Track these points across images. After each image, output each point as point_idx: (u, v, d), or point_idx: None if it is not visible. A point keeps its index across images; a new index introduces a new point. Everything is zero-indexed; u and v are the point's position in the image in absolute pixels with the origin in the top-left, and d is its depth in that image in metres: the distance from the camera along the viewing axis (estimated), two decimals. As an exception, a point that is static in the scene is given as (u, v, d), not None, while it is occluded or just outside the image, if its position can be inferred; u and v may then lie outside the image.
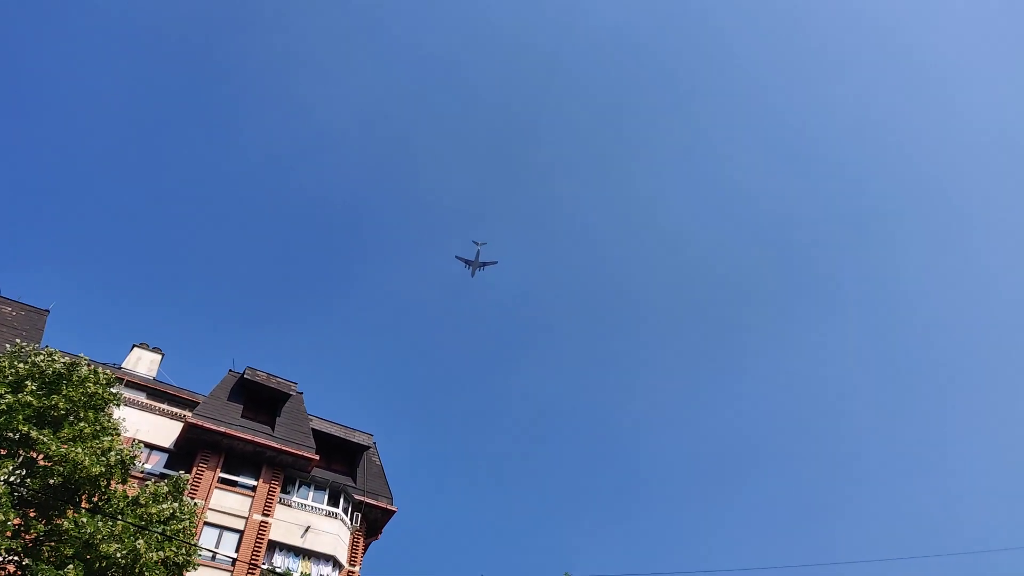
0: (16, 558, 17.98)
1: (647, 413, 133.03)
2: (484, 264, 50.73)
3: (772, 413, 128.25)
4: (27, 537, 18.43)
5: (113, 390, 21.89)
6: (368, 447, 35.04)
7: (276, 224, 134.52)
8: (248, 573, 28.03)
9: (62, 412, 20.29)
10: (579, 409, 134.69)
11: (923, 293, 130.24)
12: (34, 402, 19.39)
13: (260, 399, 33.62)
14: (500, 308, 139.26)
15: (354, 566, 31.66)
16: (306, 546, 30.09)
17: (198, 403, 32.07)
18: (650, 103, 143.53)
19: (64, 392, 20.57)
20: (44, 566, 17.15)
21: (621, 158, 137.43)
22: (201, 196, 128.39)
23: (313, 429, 33.80)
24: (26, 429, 18.61)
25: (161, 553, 18.86)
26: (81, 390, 20.89)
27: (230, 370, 34.37)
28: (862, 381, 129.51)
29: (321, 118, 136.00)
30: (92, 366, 21.75)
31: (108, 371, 21.96)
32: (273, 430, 32.38)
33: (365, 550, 33.03)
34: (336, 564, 30.59)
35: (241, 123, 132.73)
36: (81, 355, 21.65)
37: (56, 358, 21.00)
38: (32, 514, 18.71)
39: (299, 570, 29.50)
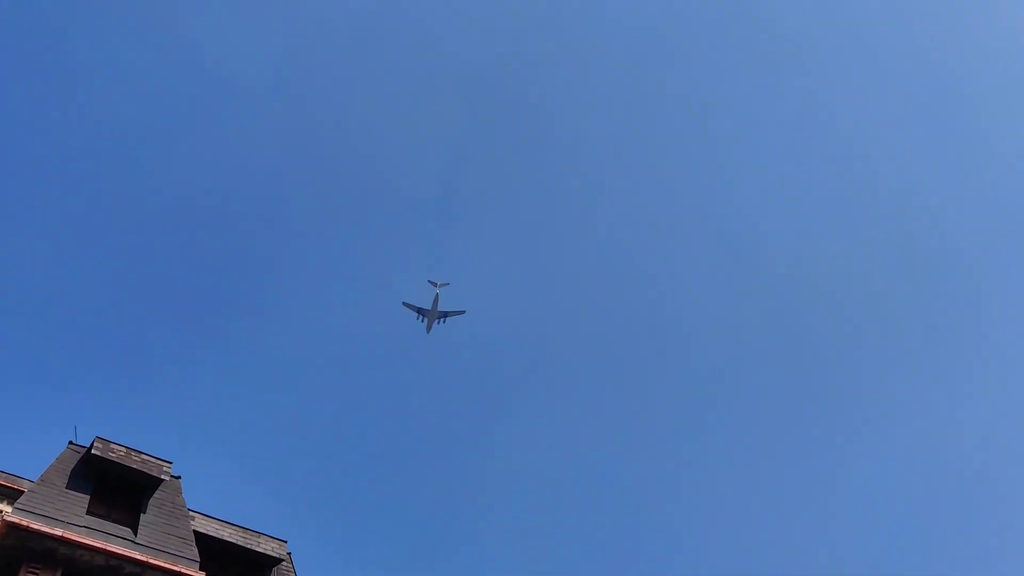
0: None
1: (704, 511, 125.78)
2: (446, 314, 47.47)
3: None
4: None
5: None
6: (280, 560, 30.37)
7: (136, 226, 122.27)
8: None
9: None
10: (594, 488, 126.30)
11: None
12: None
13: (116, 487, 28.47)
14: (478, 346, 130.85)
15: None
16: None
17: (22, 492, 27.41)
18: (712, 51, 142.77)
19: None
20: None
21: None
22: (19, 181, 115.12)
23: (196, 532, 28.82)
24: None
25: None
26: None
27: (70, 443, 29.06)
28: None
29: (211, 64, 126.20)
30: None
31: None
32: (135, 533, 27.19)
33: None
34: None
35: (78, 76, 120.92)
36: None
37: None
38: None
39: None
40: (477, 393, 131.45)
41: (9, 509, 25.60)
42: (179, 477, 29.95)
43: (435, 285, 49.77)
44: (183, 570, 26.12)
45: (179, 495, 29.46)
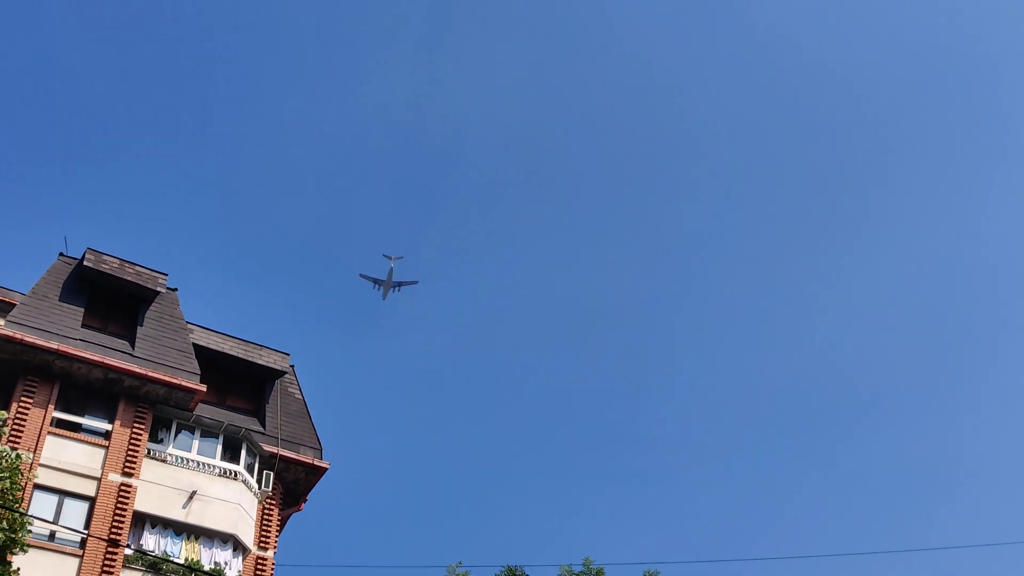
0: None
1: (700, 320, 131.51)
2: (399, 284, 54.79)
3: (891, 332, 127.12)
4: None
5: None
6: (282, 372, 33.66)
7: (113, 19, 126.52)
8: (106, 559, 26.50)
9: None
10: (600, 314, 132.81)
11: None
12: None
13: (111, 299, 31.74)
14: (485, 159, 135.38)
15: (265, 549, 30.55)
16: (191, 520, 28.95)
17: (14, 305, 29.76)
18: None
19: None
20: None
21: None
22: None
23: (196, 345, 32.08)
24: None
25: (-30, 527, 18.03)
26: None
27: (61, 254, 32.05)
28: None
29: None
30: None
31: None
32: (133, 346, 30.56)
33: (282, 526, 32.23)
34: (237, 546, 29.48)
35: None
36: None
37: None
38: None
39: (183, 555, 28.45)
40: (474, 207, 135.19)
41: (1, 322, 28.40)
42: (176, 289, 32.99)
43: (390, 259, 58.00)
44: (183, 383, 29.63)
45: (176, 307, 32.53)
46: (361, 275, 56.54)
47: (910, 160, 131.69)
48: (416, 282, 57.19)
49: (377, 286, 57.02)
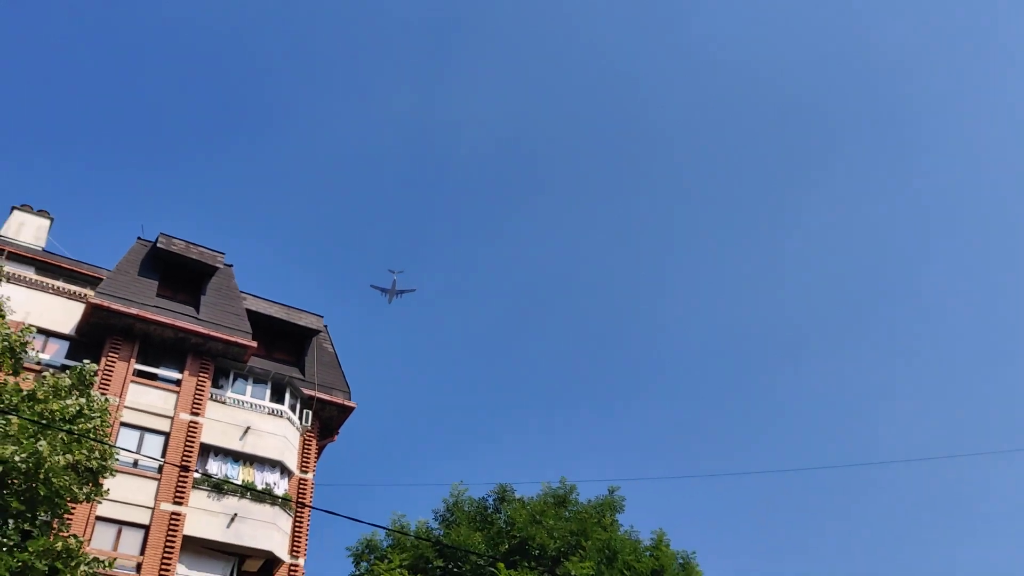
0: None
1: (667, 280, 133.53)
2: (402, 292, 57.73)
3: (830, 278, 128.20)
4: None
5: (-10, 262, 20.88)
6: (318, 331, 34.88)
7: (183, 46, 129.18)
8: (178, 482, 28.10)
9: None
10: (580, 277, 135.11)
11: None
12: None
13: (179, 274, 33.06)
14: (484, 148, 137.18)
15: (306, 472, 32.07)
16: (247, 450, 30.30)
17: (101, 279, 31.25)
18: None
19: (-72, 263, 19.61)
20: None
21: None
22: (85, 19, 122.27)
23: (248, 310, 33.42)
24: None
25: (69, 456, 18.75)
26: (-50, 260, 19.95)
27: (139, 238, 33.50)
28: (952, 237, 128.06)
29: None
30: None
31: (-18, 238, 20.70)
32: (198, 311, 31.93)
33: (319, 454, 33.42)
34: (284, 470, 30.92)
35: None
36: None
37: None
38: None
39: (240, 477, 29.85)
40: (489, 176, 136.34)
41: (92, 293, 30.03)
42: (231, 265, 34.49)
43: (393, 273, 60.02)
44: (238, 340, 31.11)
45: (232, 280, 34.07)
46: (372, 285, 59.55)
47: (838, 151, 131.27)
48: (415, 290, 59.95)
49: (384, 293, 59.72)
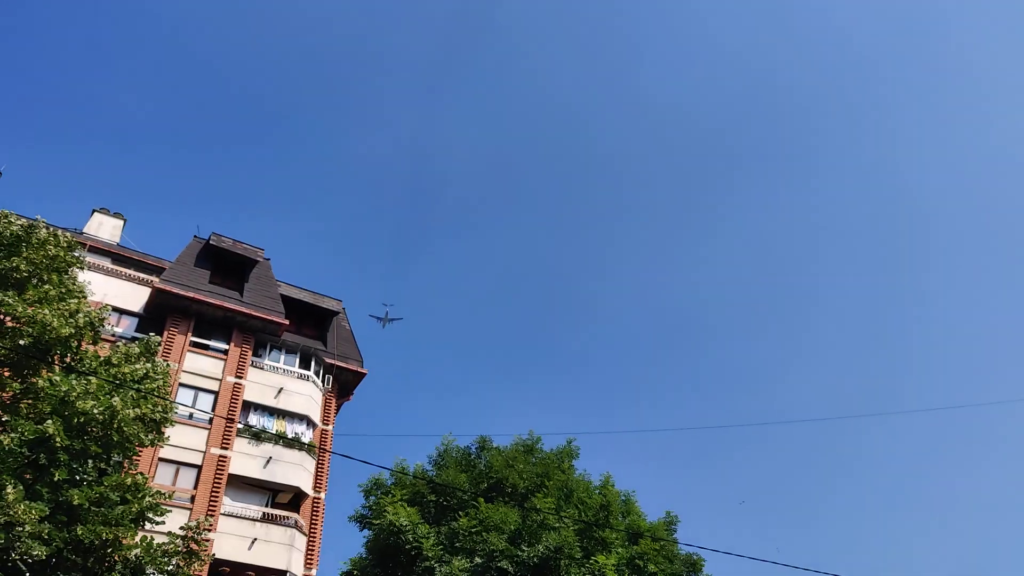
0: (-6, 415, 17.79)
1: (614, 272, 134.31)
2: (392, 320, 59.92)
3: (740, 275, 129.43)
4: (4, 395, 18.42)
5: (75, 254, 21.26)
6: (337, 312, 35.09)
7: (230, 76, 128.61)
8: (225, 431, 28.48)
9: (24, 274, 19.94)
10: (547, 267, 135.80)
11: (911, 149, 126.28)
12: (-5, 264, 18.73)
13: (227, 265, 33.19)
14: (466, 164, 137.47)
15: (327, 425, 32.42)
16: (280, 406, 30.64)
17: (164, 269, 31.53)
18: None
19: (24, 254, 20.01)
20: (24, 422, 17.17)
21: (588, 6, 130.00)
22: (156, 45, 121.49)
23: (282, 295, 33.62)
24: (-11, 290, 18.08)
25: (138, 410, 18.97)
26: (42, 253, 20.33)
27: (195, 236, 33.69)
28: (838, 244, 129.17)
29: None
30: (51, 229, 20.99)
31: (69, 235, 21.19)
32: (242, 295, 32.17)
33: (337, 410, 33.69)
34: (309, 423, 31.27)
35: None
36: (39, 218, 20.79)
37: (12, 219, 20.24)
38: (7, 373, 18.63)
39: (274, 428, 30.21)
40: (468, 186, 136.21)
41: (156, 279, 30.47)
42: (269, 259, 34.58)
43: (385, 306, 61.23)
44: (274, 319, 31.46)
45: (270, 270, 34.31)
46: (369, 315, 60.85)
47: (748, 172, 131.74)
48: (402, 318, 62.48)
49: (379, 321, 61.45)
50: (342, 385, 34.00)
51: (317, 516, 30.04)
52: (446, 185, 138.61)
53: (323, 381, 32.75)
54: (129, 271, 31.05)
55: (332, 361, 33.12)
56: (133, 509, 18.20)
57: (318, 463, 30.94)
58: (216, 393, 29.24)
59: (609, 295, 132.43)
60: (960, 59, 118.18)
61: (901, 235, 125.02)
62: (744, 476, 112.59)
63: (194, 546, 19.90)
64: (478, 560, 25.05)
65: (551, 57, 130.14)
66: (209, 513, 26.27)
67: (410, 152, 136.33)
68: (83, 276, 25.38)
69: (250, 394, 30.15)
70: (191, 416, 28.34)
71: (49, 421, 17.19)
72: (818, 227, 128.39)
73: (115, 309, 28.58)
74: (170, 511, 20.51)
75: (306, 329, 34.29)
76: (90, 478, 18.03)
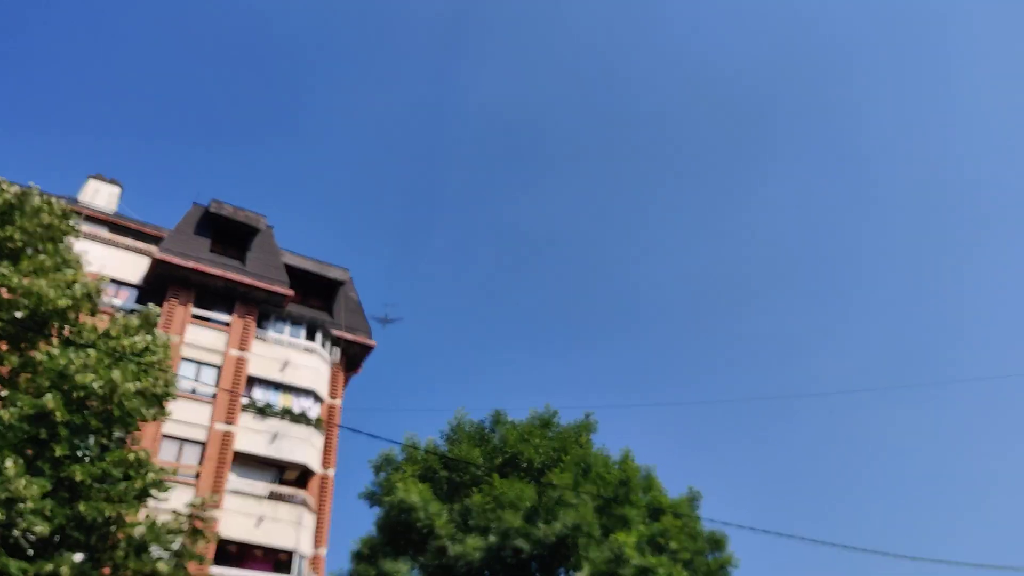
0: (-8, 389, 17.64)
1: (643, 237, 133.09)
2: (393, 320, 60.36)
3: (778, 239, 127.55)
4: (2, 369, 18.29)
5: (71, 222, 20.92)
6: (343, 282, 34.73)
7: (230, 40, 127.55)
8: (229, 406, 28.33)
9: (19, 244, 19.68)
10: (568, 234, 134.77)
11: (966, 106, 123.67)
12: (-13, 233, 18.41)
13: (228, 233, 32.82)
14: (485, 126, 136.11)
15: (335, 399, 32.25)
16: (285, 380, 30.42)
17: (163, 238, 31.17)
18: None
19: (18, 223, 19.73)
20: (23, 396, 17.01)
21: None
22: (149, 10, 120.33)
23: (285, 264, 33.28)
24: (-18, 260, 17.78)
25: (138, 384, 18.81)
26: (36, 221, 20.03)
27: (194, 203, 33.22)
28: (885, 206, 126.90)
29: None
30: (45, 197, 20.63)
31: (64, 203, 20.82)
32: (244, 265, 31.84)
33: (345, 384, 33.53)
34: (316, 397, 31.06)
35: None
36: (32, 184, 20.41)
37: (5, 187, 19.90)
38: (4, 347, 18.47)
39: (279, 403, 30.00)
40: (489, 149, 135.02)
41: (155, 249, 30.00)
42: (272, 227, 34.28)
43: (386, 306, 61.19)
44: (278, 289, 31.11)
45: (272, 238, 33.94)
46: (370, 316, 61.66)
47: (793, 134, 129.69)
48: (402, 318, 63.27)
49: (380, 323, 62.60)
50: (350, 358, 33.76)
51: (325, 494, 29.94)
52: (461, 147, 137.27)
53: (330, 354, 32.53)
54: (127, 240, 30.70)
55: (339, 333, 32.86)
56: (136, 485, 18.09)
57: (326, 439, 30.79)
58: (219, 367, 29.03)
59: (635, 263, 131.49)
60: None
61: (951, 197, 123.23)
62: (773, 451, 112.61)
63: (199, 524, 19.92)
64: (492, 538, 24.99)
65: (577, 8, 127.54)
66: (214, 490, 26.14)
67: (422, 113, 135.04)
68: (79, 246, 25.20)
69: (254, 368, 29.93)
70: (194, 391, 28.20)
71: (48, 395, 17.05)
72: (864, 189, 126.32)
73: (113, 280, 28.30)
74: (174, 487, 20.27)
75: (312, 300, 33.97)
76: (92, 454, 17.95)
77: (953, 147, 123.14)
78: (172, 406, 22.07)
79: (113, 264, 29.13)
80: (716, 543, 27.49)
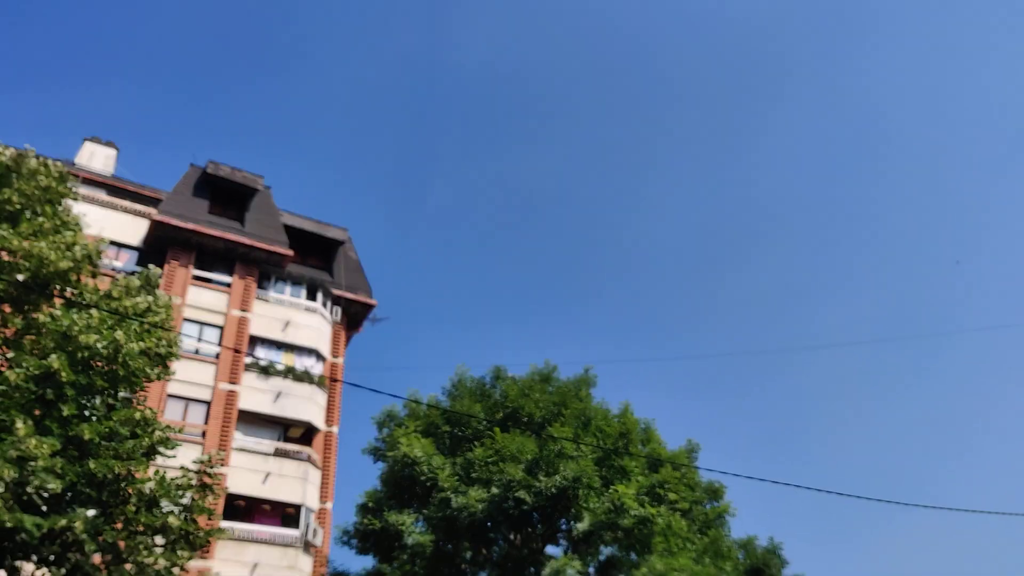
0: (-1, 352, 18.19)
1: (643, 189, 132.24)
2: (382, 319, 60.38)
3: (781, 189, 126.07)
4: (6, 331, 18.79)
5: (68, 184, 21.27)
6: (343, 241, 35.17)
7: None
8: (233, 365, 28.99)
9: (16, 207, 20.01)
10: (567, 187, 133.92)
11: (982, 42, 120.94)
12: (-16, 196, 18.82)
13: (226, 194, 33.15)
14: (480, 80, 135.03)
15: (337, 357, 32.95)
16: (288, 340, 31.09)
17: (161, 200, 31.56)
18: None
19: (16, 186, 20.10)
20: (28, 357, 17.55)
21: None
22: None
23: (284, 224, 33.68)
24: (-20, 224, 18.22)
25: (142, 344, 19.23)
26: (33, 184, 20.38)
27: (191, 164, 33.49)
28: (901, 148, 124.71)
29: None
30: (42, 159, 20.96)
31: (60, 165, 21.16)
32: (243, 226, 32.30)
33: (347, 342, 34.15)
34: (319, 356, 31.74)
35: None
36: (27, 147, 20.75)
37: (1, 150, 20.21)
38: (7, 309, 18.97)
39: (282, 362, 30.70)
40: (485, 102, 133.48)
41: (154, 211, 30.51)
42: (270, 187, 34.52)
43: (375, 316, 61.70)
44: (277, 249, 31.61)
45: (271, 199, 34.24)
46: (367, 318, 62.01)
47: (797, 79, 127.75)
48: (389, 317, 64.42)
49: (368, 320, 63.42)
50: (351, 317, 34.37)
51: (330, 450, 30.78)
52: (457, 102, 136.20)
53: (332, 313, 33.11)
54: (125, 203, 31.10)
55: (340, 292, 33.41)
56: (144, 443, 18.66)
57: (329, 396, 31.54)
58: (222, 327, 29.67)
59: (634, 216, 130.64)
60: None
61: (959, 149, 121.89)
62: (772, 403, 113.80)
63: (207, 479, 20.62)
64: (495, 490, 25.68)
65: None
66: (221, 448, 26.90)
67: (417, 66, 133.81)
68: (78, 208, 25.36)
69: (256, 328, 30.53)
70: (197, 351, 28.89)
71: (53, 356, 17.50)
72: (877, 131, 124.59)
73: (113, 243, 28.74)
74: (181, 446, 20.97)
75: (311, 259, 34.41)
76: (99, 413, 18.48)
77: (966, 94, 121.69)
78: (176, 366, 22.34)
79: (112, 227, 29.53)
80: (714, 493, 28.28)
